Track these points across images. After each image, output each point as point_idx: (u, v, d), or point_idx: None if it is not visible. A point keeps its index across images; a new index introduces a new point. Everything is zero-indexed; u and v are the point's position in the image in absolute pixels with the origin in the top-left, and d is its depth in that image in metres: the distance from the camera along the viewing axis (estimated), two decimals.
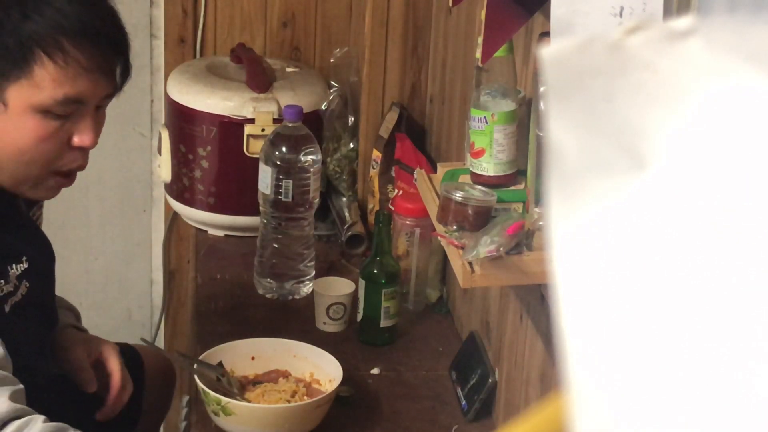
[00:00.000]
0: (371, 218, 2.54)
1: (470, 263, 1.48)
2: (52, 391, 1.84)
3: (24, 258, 1.69)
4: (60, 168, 1.67)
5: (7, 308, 1.65)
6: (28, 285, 1.69)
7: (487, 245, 1.46)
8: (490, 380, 1.98)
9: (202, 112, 2.56)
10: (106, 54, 1.64)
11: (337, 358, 1.99)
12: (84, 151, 1.68)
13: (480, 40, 1.53)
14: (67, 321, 1.90)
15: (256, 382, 2.00)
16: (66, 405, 1.80)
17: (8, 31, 1.56)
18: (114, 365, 1.85)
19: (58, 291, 2.02)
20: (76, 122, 1.64)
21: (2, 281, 1.64)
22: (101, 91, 1.65)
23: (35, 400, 1.73)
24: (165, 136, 2.65)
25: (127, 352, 2.01)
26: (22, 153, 1.62)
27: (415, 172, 1.88)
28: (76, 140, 1.65)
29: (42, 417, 1.54)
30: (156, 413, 2.26)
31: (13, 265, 1.67)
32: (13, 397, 1.53)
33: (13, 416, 1.51)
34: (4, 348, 1.58)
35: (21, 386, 1.56)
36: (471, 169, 1.67)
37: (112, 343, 1.89)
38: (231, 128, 2.55)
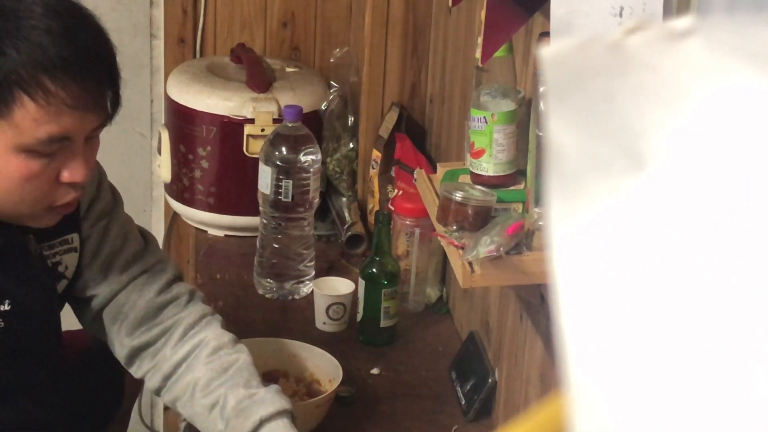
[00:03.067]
0: (371, 218, 2.54)
1: (470, 263, 1.48)
2: (38, 416, 1.82)
3: (7, 300, 1.64)
4: (53, 203, 1.59)
5: None
6: (2, 325, 1.64)
7: (487, 245, 1.46)
8: (490, 380, 1.98)
9: (202, 112, 2.56)
10: (92, 89, 1.54)
11: (337, 358, 1.99)
12: (75, 185, 1.59)
13: (480, 40, 1.53)
14: (276, 407, 1.72)
15: None
16: (54, 375, 1.80)
17: None
18: None
19: None
20: (64, 158, 1.56)
21: None
22: (89, 125, 1.56)
23: (14, 423, 1.73)
24: (165, 136, 2.65)
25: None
26: (9, 193, 1.55)
27: (415, 172, 1.88)
28: (66, 176, 1.56)
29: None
30: (131, 398, 2.26)
31: None
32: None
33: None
34: None
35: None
36: (471, 169, 1.67)
37: None
38: (231, 128, 2.55)
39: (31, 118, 1.49)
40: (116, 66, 1.61)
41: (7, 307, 1.64)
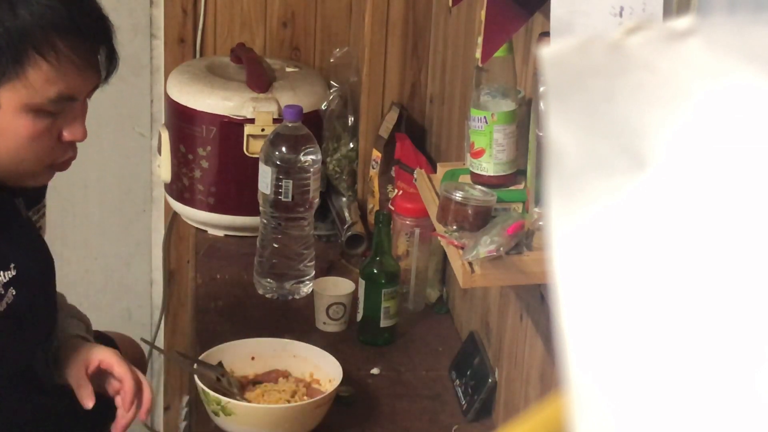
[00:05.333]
0: (371, 218, 2.54)
1: (470, 263, 1.48)
2: (41, 402, 1.82)
3: (12, 265, 1.66)
4: (53, 162, 1.67)
5: None
6: (14, 293, 1.66)
7: (487, 245, 1.46)
8: (490, 380, 1.98)
9: (202, 112, 2.56)
10: (94, 47, 1.62)
11: (337, 358, 1.99)
12: (73, 143, 1.68)
13: (480, 40, 1.53)
14: (72, 331, 1.85)
15: (256, 382, 2.00)
16: (57, 417, 1.80)
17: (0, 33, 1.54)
18: (120, 370, 1.77)
19: (59, 290, 2.02)
20: (65, 117, 1.63)
21: None
22: (90, 84, 1.64)
23: (19, 411, 1.73)
24: (165, 136, 2.65)
25: (101, 339, 2.00)
26: (16, 151, 1.61)
27: (415, 172, 1.88)
28: (67, 135, 1.64)
29: None
30: None
31: (0, 272, 1.65)
32: None
33: None
34: None
35: None
36: (471, 169, 1.67)
37: (110, 350, 1.83)
38: (231, 128, 2.55)
39: (43, 78, 1.56)
40: (110, 26, 1.67)
41: (13, 272, 1.66)
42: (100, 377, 1.80)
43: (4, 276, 1.65)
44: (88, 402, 1.77)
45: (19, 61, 1.55)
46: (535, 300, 1.75)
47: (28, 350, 1.76)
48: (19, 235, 1.73)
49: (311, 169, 2.32)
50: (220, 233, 2.67)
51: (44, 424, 1.85)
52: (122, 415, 1.78)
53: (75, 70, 1.59)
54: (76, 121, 1.65)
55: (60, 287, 1.99)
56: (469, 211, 1.55)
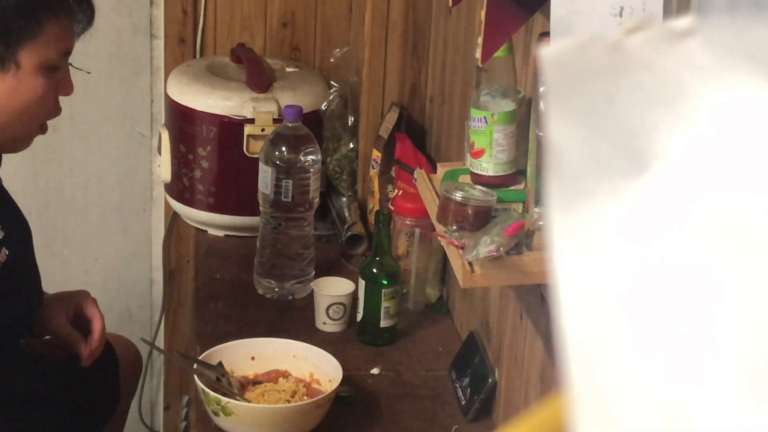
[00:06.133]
0: (371, 218, 2.54)
1: (470, 263, 1.48)
2: (35, 362, 1.85)
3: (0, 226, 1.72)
4: (46, 120, 1.76)
5: None
6: (8, 252, 1.72)
7: (487, 245, 1.46)
8: (490, 380, 1.98)
9: (202, 112, 2.56)
10: (89, 6, 1.75)
11: (337, 358, 1.99)
12: (58, 102, 1.77)
13: (480, 40, 1.53)
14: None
15: (256, 382, 2.00)
16: (48, 376, 1.81)
17: None
18: (91, 310, 1.92)
19: (59, 290, 2.02)
20: (59, 75, 1.73)
21: None
22: (75, 38, 1.75)
23: (16, 370, 1.75)
24: (165, 136, 2.65)
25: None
26: (29, 110, 1.70)
27: (415, 172, 1.88)
28: (62, 91, 1.74)
29: None
30: (127, 398, 2.27)
31: None
32: None
33: None
34: None
35: None
36: (471, 169, 1.67)
37: (84, 292, 1.96)
38: (231, 128, 2.55)
39: (55, 35, 1.68)
40: None
41: (1, 233, 1.71)
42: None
43: None
44: (80, 347, 1.89)
45: (37, 21, 1.64)
46: (535, 300, 1.75)
47: (21, 314, 1.80)
48: (0, 201, 1.79)
49: (311, 169, 2.32)
50: (220, 233, 2.67)
51: (44, 410, 1.86)
52: (91, 347, 1.92)
53: (71, 26, 1.70)
54: (68, 77, 1.74)
55: (60, 287, 2.00)
56: (469, 211, 1.55)
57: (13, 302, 1.75)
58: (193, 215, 2.67)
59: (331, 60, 2.80)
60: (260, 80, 2.59)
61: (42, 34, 1.66)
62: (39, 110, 1.71)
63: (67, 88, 1.76)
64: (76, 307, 1.93)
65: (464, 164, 1.74)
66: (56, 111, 1.76)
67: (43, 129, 1.77)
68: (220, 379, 1.94)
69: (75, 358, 1.97)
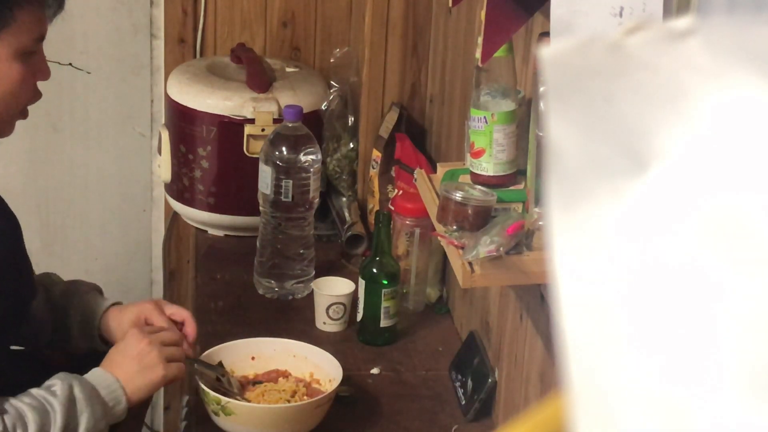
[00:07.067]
0: (371, 218, 2.54)
1: (470, 263, 1.48)
2: (36, 362, 1.86)
3: None
4: (26, 106, 1.77)
5: None
6: None
7: (486, 245, 1.46)
8: (490, 380, 1.98)
9: (202, 112, 2.56)
10: None
11: (337, 358, 1.99)
12: (37, 87, 1.78)
13: (480, 40, 1.53)
14: (103, 303, 1.97)
15: (256, 382, 2.00)
16: (48, 376, 1.81)
17: None
18: (157, 321, 1.92)
19: None
20: (35, 60, 1.75)
21: None
22: (48, 22, 1.76)
23: (13, 368, 1.76)
24: (165, 136, 2.65)
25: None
26: (9, 96, 1.71)
27: (415, 172, 1.88)
28: (39, 76, 1.76)
29: None
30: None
31: None
32: None
33: None
34: None
35: None
36: (471, 169, 1.67)
37: (150, 303, 1.96)
38: (231, 128, 2.55)
39: (28, 21, 1.69)
40: None
41: None
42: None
43: None
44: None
45: (9, 9, 1.66)
46: (535, 300, 1.75)
47: (13, 307, 1.80)
48: None
49: (311, 169, 2.32)
50: (220, 233, 2.67)
51: None
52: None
53: (44, 13, 1.72)
54: (43, 61, 1.76)
55: None
56: (469, 211, 1.55)
57: (4, 296, 1.75)
58: (193, 215, 2.67)
59: (331, 60, 2.80)
60: (260, 80, 2.59)
61: (14, 22, 1.67)
62: (18, 96, 1.73)
63: (44, 72, 1.77)
64: (146, 319, 1.94)
65: (464, 164, 1.74)
66: (36, 96, 1.78)
67: (23, 114, 1.78)
68: (220, 379, 1.94)
69: (77, 359, 1.96)
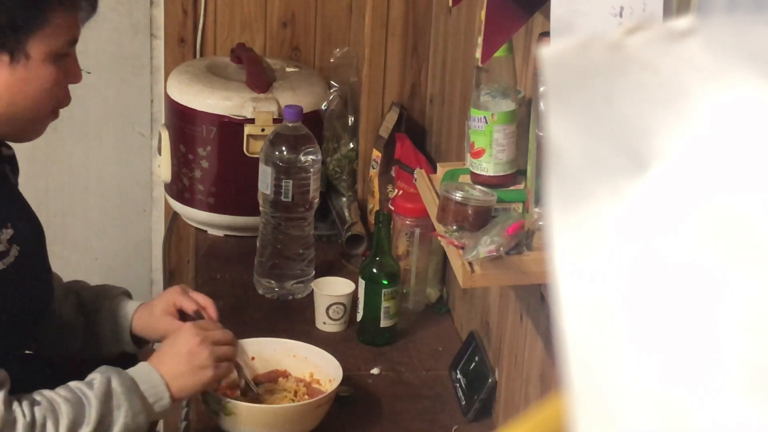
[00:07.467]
0: (371, 218, 2.54)
1: (470, 263, 1.48)
2: (49, 367, 1.86)
3: (9, 224, 1.73)
4: (56, 108, 1.79)
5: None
6: (19, 249, 1.73)
7: (487, 245, 1.46)
8: (490, 380, 1.98)
9: (202, 112, 2.56)
10: None
11: (337, 358, 1.99)
12: (68, 90, 1.81)
13: (480, 40, 1.53)
14: (134, 305, 1.99)
15: (257, 382, 2.00)
16: (55, 377, 1.82)
17: None
18: (189, 306, 1.95)
19: None
20: (68, 63, 1.77)
21: None
22: (80, 29, 1.78)
23: (27, 373, 1.76)
24: (165, 136, 2.65)
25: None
26: (39, 100, 1.73)
27: (415, 172, 1.88)
28: (71, 78, 1.78)
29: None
30: None
31: (1, 229, 1.71)
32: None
33: None
34: None
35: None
36: (471, 169, 1.67)
37: (173, 290, 1.99)
38: (231, 128, 2.55)
39: (62, 24, 1.71)
40: None
41: (12, 231, 1.72)
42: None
43: (6, 233, 1.71)
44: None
45: (43, 12, 1.68)
46: (535, 300, 1.75)
47: (32, 311, 1.81)
48: (10, 199, 1.80)
49: (311, 169, 2.32)
50: (220, 233, 2.67)
51: None
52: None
53: (78, 16, 1.74)
54: (75, 64, 1.78)
55: None
56: (469, 211, 1.55)
57: (24, 300, 1.76)
58: (193, 215, 2.67)
59: (331, 60, 2.80)
60: (260, 80, 2.59)
61: (48, 25, 1.69)
62: (50, 99, 1.75)
63: (76, 76, 1.80)
64: (175, 304, 1.96)
65: (464, 164, 1.74)
66: (66, 99, 1.80)
67: (55, 114, 1.81)
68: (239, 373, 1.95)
69: (90, 364, 1.96)
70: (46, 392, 1.68)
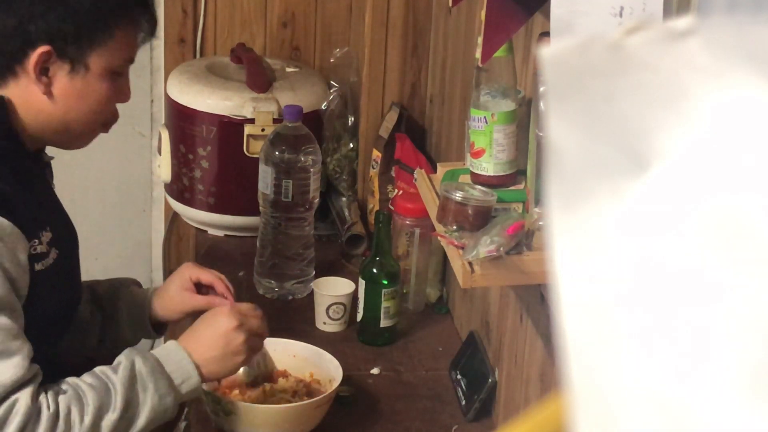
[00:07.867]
0: (371, 218, 2.54)
1: (470, 263, 1.48)
2: (70, 362, 1.87)
3: (48, 227, 1.74)
4: (107, 123, 1.83)
5: (37, 267, 1.71)
6: (57, 252, 1.74)
7: (487, 245, 1.46)
8: (490, 380, 1.98)
9: (202, 112, 2.56)
10: (148, 15, 1.84)
11: (337, 358, 1.99)
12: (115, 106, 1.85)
13: (480, 40, 1.53)
14: (148, 290, 2.03)
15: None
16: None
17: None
18: (207, 277, 1.98)
19: None
20: (121, 82, 1.82)
21: (36, 241, 1.70)
22: (138, 50, 1.84)
23: (52, 366, 1.77)
24: (165, 136, 2.65)
25: None
26: (94, 112, 1.77)
27: (415, 172, 1.88)
28: (122, 96, 1.83)
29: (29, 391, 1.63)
30: None
31: (42, 232, 1.72)
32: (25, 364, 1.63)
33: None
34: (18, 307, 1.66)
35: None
36: (471, 169, 1.67)
37: (186, 265, 2.03)
38: (231, 128, 2.55)
39: (124, 43, 1.77)
40: None
41: (50, 234, 1.73)
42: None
43: (46, 236, 1.73)
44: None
45: (109, 27, 1.73)
46: (535, 300, 1.75)
47: (62, 314, 1.83)
48: (49, 202, 1.82)
49: (311, 169, 2.32)
50: (220, 233, 2.67)
51: None
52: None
53: (137, 35, 1.80)
54: (127, 83, 1.84)
55: None
56: (469, 211, 1.55)
57: (58, 302, 1.78)
58: (193, 215, 2.67)
59: (331, 60, 2.80)
60: (260, 80, 2.59)
61: (111, 41, 1.74)
62: (100, 113, 1.79)
63: (126, 95, 1.84)
64: (194, 280, 1.98)
65: (464, 164, 1.74)
66: (115, 117, 1.84)
67: (105, 128, 1.84)
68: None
69: (93, 361, 1.96)
70: (72, 380, 1.69)
